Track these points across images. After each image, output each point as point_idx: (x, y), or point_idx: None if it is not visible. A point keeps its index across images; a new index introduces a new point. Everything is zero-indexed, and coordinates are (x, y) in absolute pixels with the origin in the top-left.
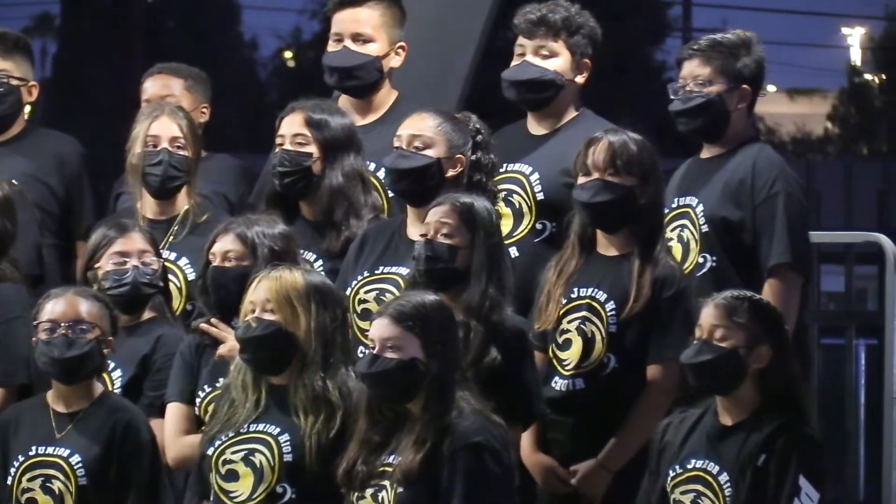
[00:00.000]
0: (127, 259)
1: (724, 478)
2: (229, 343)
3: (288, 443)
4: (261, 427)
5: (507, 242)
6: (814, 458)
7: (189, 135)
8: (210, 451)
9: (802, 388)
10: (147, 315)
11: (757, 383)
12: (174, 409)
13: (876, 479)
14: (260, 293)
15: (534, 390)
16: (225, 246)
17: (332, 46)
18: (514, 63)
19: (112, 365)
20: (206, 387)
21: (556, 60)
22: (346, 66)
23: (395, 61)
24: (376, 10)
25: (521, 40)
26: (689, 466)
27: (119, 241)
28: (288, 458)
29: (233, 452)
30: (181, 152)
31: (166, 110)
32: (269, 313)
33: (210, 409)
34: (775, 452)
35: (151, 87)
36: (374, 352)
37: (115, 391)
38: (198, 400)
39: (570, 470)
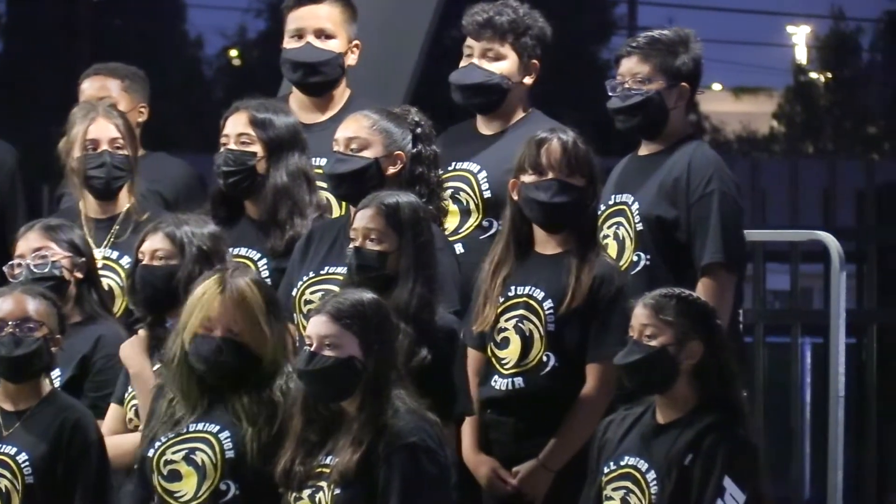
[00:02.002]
0: (22, 260)
1: (651, 476)
2: (143, 373)
3: (229, 439)
4: (201, 426)
5: (453, 239)
6: (742, 458)
7: (126, 133)
8: (150, 453)
9: (738, 385)
10: (85, 315)
11: (692, 381)
12: (110, 411)
13: (821, 478)
14: (228, 309)
15: (459, 388)
16: (154, 244)
17: (292, 43)
18: (461, 64)
19: None
20: (130, 387)
21: (503, 63)
22: (311, 62)
23: (351, 59)
24: (336, 7)
25: (469, 41)
26: (621, 463)
27: (18, 243)
28: (230, 454)
29: (174, 452)
30: (121, 152)
31: (101, 111)
32: (235, 334)
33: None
34: (701, 452)
35: (89, 88)
36: (312, 349)
37: None
38: (126, 397)
39: (513, 471)
